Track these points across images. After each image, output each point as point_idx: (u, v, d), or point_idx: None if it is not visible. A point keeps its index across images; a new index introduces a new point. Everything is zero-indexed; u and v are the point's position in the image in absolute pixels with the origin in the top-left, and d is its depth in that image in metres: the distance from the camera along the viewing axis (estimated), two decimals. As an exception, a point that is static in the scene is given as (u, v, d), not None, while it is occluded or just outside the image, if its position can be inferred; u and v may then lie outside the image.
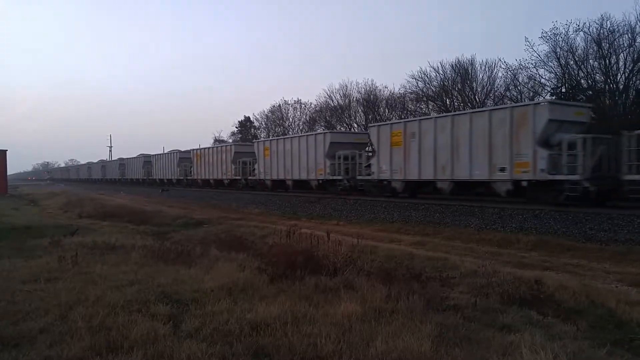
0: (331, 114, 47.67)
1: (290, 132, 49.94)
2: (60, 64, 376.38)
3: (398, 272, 7.32)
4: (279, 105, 55.64)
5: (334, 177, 24.21)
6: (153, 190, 42.40)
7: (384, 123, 24.02)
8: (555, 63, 28.96)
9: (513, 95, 32.30)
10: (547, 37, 28.62)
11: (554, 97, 27.69)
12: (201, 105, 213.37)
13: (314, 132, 30.50)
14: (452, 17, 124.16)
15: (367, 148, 24.11)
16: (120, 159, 65.21)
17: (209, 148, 39.24)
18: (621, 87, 26.74)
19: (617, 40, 26.53)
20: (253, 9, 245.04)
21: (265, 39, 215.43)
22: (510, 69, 32.03)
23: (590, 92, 27.44)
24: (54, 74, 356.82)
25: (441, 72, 36.42)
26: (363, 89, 45.78)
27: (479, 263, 8.61)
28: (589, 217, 12.61)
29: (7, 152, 39.28)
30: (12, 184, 53.22)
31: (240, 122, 62.10)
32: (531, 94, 30.92)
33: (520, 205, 15.22)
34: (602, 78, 27.46)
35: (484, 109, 20.85)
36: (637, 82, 25.94)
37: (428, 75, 37.04)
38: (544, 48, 36.61)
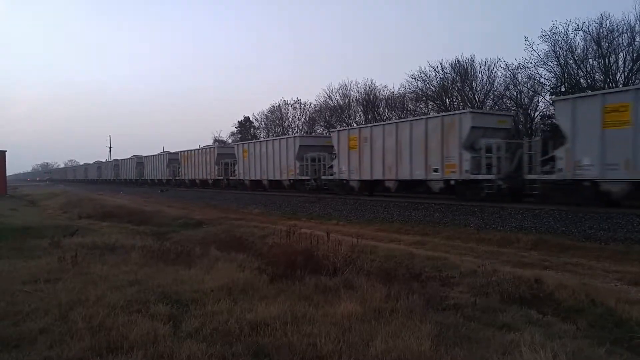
0: (331, 114, 47.66)
1: (290, 132, 49.98)
2: (60, 64, 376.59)
3: (398, 272, 7.33)
4: (279, 105, 55.67)
5: (303, 177, 26.42)
6: (152, 190, 42.44)
7: (343, 129, 26.74)
8: (555, 62, 28.99)
9: (513, 94, 32.35)
10: (547, 37, 28.64)
11: (558, 95, 27.71)
12: (201, 105, 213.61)
13: (285, 136, 32.47)
14: (451, 17, 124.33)
15: (333, 151, 25.36)
16: (115, 160, 68.17)
17: (194, 150, 41.35)
18: (621, 86, 26.77)
19: (616, 39, 26.56)
20: (253, 8, 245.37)
21: (265, 38, 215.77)
22: (510, 69, 32.06)
23: (590, 91, 27.47)
24: (53, 74, 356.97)
25: (441, 71, 36.45)
26: (363, 89, 45.80)
27: (478, 262, 8.62)
28: (589, 217, 12.62)
29: (6, 152, 39.28)
30: (11, 185, 53.19)
31: (240, 122, 62.14)
32: (531, 93, 30.97)
33: (520, 204, 15.31)
34: (602, 77, 27.48)
35: (421, 117, 22.72)
36: (637, 81, 25.95)
37: (427, 75, 37.07)
38: (543, 47, 36.50)
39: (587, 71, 28.18)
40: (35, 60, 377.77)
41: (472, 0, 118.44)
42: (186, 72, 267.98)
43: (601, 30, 26.81)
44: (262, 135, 54.93)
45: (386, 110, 42.44)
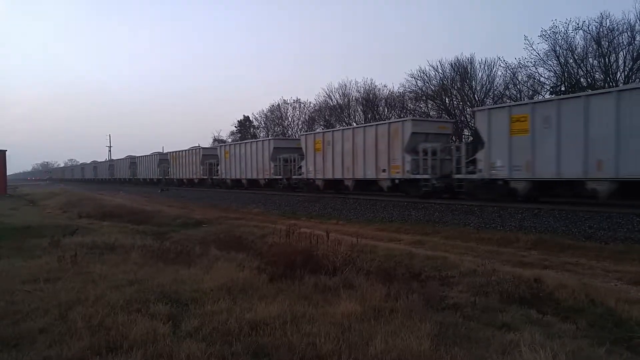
0: (330, 113, 47.70)
1: (289, 132, 50.06)
2: (60, 64, 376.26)
3: (397, 272, 7.33)
4: (278, 105, 55.77)
5: (276, 177, 28.94)
6: (152, 189, 42.50)
7: (310, 133, 29.46)
8: (555, 61, 29.04)
9: (512, 94, 32.37)
10: (547, 36, 28.70)
11: (559, 94, 27.70)
12: (201, 105, 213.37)
13: (261, 139, 35.38)
14: (451, 16, 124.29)
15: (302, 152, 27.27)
16: (110, 160, 71.20)
17: (182, 151, 43.81)
18: (621, 85, 26.77)
19: (616, 38, 26.60)
20: (253, 8, 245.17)
21: (265, 38, 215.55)
22: (510, 68, 32.13)
23: (590, 90, 27.46)
24: (53, 74, 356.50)
25: (440, 71, 36.50)
26: (362, 88, 45.85)
27: (478, 262, 8.61)
28: (589, 216, 12.63)
29: (6, 152, 39.26)
30: (11, 184, 53.19)
31: (240, 122, 62.21)
32: (531, 92, 30.97)
33: (519, 204, 15.31)
34: (602, 76, 27.50)
35: (372, 123, 25.01)
36: (637, 80, 25.96)
37: (427, 74, 37.12)
38: (543, 47, 36.64)
39: (587, 70, 28.21)
40: (35, 60, 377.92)
41: (472, 0, 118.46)
42: (186, 72, 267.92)
43: (601, 30, 26.86)
44: (261, 135, 54.99)
45: (386, 110, 42.46)
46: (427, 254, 9.88)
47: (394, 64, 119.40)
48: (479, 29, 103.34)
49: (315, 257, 7.38)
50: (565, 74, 28.77)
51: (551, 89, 29.25)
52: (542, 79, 30.15)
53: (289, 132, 50.61)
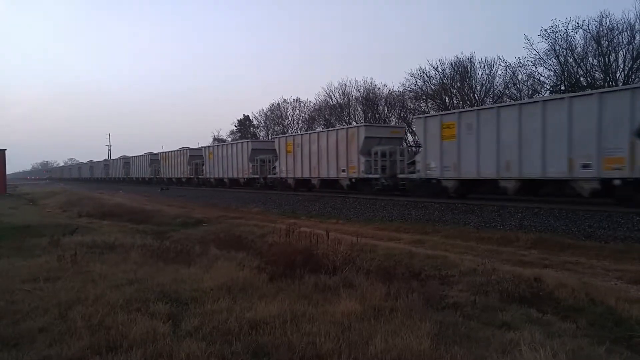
0: (330, 113, 47.67)
1: (289, 131, 50.06)
2: (60, 64, 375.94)
3: (397, 271, 7.32)
4: (278, 104, 55.76)
5: (254, 176, 31.56)
6: (152, 189, 42.53)
7: (282, 135, 31.64)
8: (555, 61, 29.02)
9: (512, 93, 32.36)
10: (547, 35, 28.67)
11: (557, 94, 27.70)
12: (201, 105, 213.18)
13: (240, 141, 37.81)
14: (451, 16, 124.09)
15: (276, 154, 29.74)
16: (106, 160, 74.07)
17: (171, 152, 46.77)
18: (620, 84, 26.75)
19: (616, 37, 26.57)
20: (253, 8, 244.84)
21: (265, 37, 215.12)
22: (510, 67, 32.12)
23: (590, 89, 27.45)
24: (53, 74, 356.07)
25: (440, 70, 36.49)
26: (362, 88, 45.84)
27: (478, 261, 8.61)
28: (589, 215, 12.64)
29: (6, 151, 39.23)
30: (11, 184, 53.19)
31: (240, 121, 62.21)
32: (530, 92, 30.95)
33: (519, 203, 15.35)
34: (602, 76, 27.48)
35: (333, 128, 27.53)
36: (637, 79, 25.95)
37: (427, 74, 37.11)
38: (543, 46, 36.71)
39: (586, 70, 28.19)
40: (35, 60, 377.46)
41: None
42: (186, 72, 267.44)
43: (601, 29, 26.83)
44: (261, 134, 55.01)
45: (386, 109, 42.46)
46: (427, 253, 9.88)
47: (394, 63, 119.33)
48: (479, 29, 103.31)
49: (315, 257, 7.37)
50: (565, 73, 28.75)
51: (551, 88, 29.24)
52: (542, 78, 30.17)
53: (289, 131, 50.56)
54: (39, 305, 5.38)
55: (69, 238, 10.94)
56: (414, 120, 21.93)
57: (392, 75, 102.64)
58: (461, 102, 34.77)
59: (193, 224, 17.57)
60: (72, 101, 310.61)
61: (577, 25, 27.57)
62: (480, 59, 38.43)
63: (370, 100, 43.83)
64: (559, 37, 28.29)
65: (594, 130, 13.70)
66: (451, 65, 35.80)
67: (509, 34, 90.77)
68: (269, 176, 29.93)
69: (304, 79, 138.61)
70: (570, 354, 3.93)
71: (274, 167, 29.14)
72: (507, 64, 35.76)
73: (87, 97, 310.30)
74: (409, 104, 39.77)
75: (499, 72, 33.99)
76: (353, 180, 22.87)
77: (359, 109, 45.36)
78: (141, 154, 56.96)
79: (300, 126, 52.26)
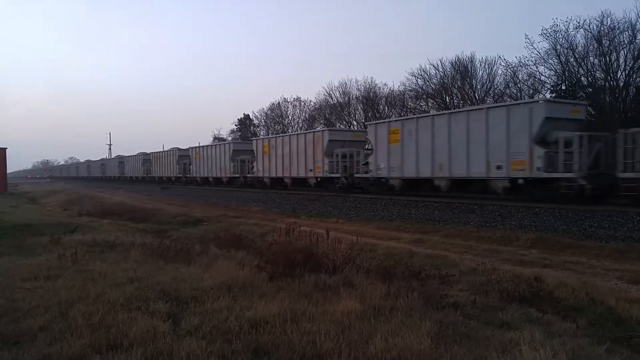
0: (330, 112, 47.63)
1: (289, 130, 50.08)
2: (61, 63, 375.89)
3: (397, 270, 7.33)
4: (279, 103, 55.69)
5: (235, 175, 33.82)
6: (152, 187, 42.54)
7: (259, 138, 34.65)
8: (556, 60, 28.95)
9: (513, 92, 32.31)
10: (547, 34, 28.61)
11: (552, 95, 27.64)
12: (201, 104, 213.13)
13: (223, 142, 40.28)
14: (452, 15, 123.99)
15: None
16: (102, 159, 76.73)
17: (162, 152, 49.43)
18: (621, 84, 26.75)
19: (617, 37, 26.51)
20: (253, 7, 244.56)
21: (266, 36, 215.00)
22: (510, 67, 32.06)
23: (590, 89, 27.42)
24: (53, 74, 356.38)
25: (441, 69, 36.43)
26: (362, 87, 45.78)
27: (478, 261, 8.61)
28: (589, 215, 12.62)
29: (6, 150, 39.22)
30: (11, 182, 53.21)
31: (240, 120, 62.13)
32: (531, 91, 30.92)
33: (519, 203, 15.34)
34: (603, 75, 27.43)
35: (302, 132, 30.52)
36: (638, 79, 25.93)
37: (428, 73, 37.05)
38: (544, 45, 36.56)
39: (587, 69, 28.14)
40: (35, 60, 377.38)
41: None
42: (186, 71, 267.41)
43: (602, 28, 26.78)
44: (261, 133, 54.98)
45: (386, 108, 42.39)
46: (427, 253, 9.88)
47: (394, 62, 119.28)
48: (480, 28, 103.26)
49: (315, 256, 7.37)
50: (566, 73, 28.71)
51: (552, 88, 29.20)
52: (542, 77, 30.11)
53: (289, 130, 50.55)
54: (39, 303, 5.38)
55: (70, 237, 10.95)
56: (367, 127, 23.59)
57: (393, 74, 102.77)
58: (462, 102, 34.73)
59: (193, 222, 17.57)
60: (73, 100, 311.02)
61: (578, 24, 27.53)
62: (480, 58, 38.32)
63: (371, 99, 43.79)
64: (560, 36, 28.26)
65: (504, 137, 15.94)
66: (452, 64, 35.79)
67: (509, 34, 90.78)
68: (248, 175, 32.25)
69: (305, 78, 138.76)
70: (571, 354, 3.93)
71: (252, 167, 31.53)
72: (508, 63, 35.68)
73: (88, 96, 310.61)
74: (409, 103, 39.75)
75: (500, 72, 33.93)
76: (318, 179, 25.18)
77: (359, 108, 45.34)
78: (135, 153, 59.20)
79: (300, 125, 52.24)
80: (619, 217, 12.06)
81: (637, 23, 25.81)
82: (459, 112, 19.19)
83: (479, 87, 35.29)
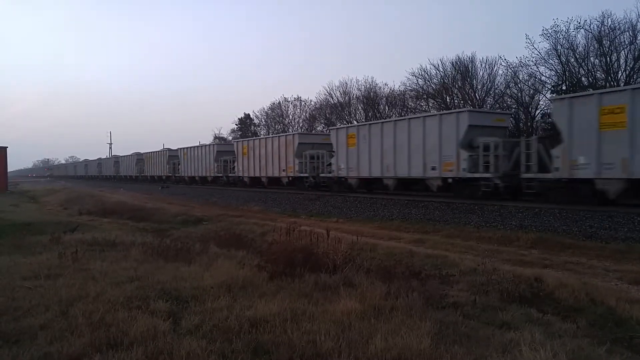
0: (331, 112, 47.62)
1: (290, 129, 50.10)
2: (61, 62, 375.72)
3: (397, 270, 7.32)
4: (279, 103, 55.69)
5: (218, 175, 36.21)
6: (152, 187, 42.59)
7: (239, 140, 39.09)
8: (556, 60, 28.95)
9: (513, 92, 32.31)
10: (548, 35, 28.61)
11: (552, 95, 27.64)
12: (202, 103, 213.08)
13: (208, 144, 41.89)
14: (452, 15, 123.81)
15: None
16: (99, 159, 78.78)
17: (154, 152, 51.62)
18: (622, 84, 26.69)
19: (618, 37, 26.51)
20: (254, 7, 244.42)
21: (266, 36, 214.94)
22: (511, 67, 32.05)
23: (591, 89, 27.39)
24: (53, 73, 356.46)
25: (441, 69, 36.41)
26: (363, 87, 45.77)
27: (478, 261, 8.61)
28: (589, 215, 12.62)
29: (7, 149, 39.23)
30: (12, 181, 53.24)
31: (240, 119, 62.13)
32: (531, 91, 30.92)
33: (520, 203, 15.34)
34: (603, 75, 27.43)
35: (276, 135, 33.03)
36: (638, 79, 25.90)
37: (428, 73, 37.03)
38: (544, 45, 36.59)
39: (588, 69, 28.14)
40: (35, 60, 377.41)
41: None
42: (187, 70, 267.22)
43: (602, 29, 26.79)
44: (262, 133, 55.00)
45: (387, 108, 42.38)
46: (427, 253, 9.88)
47: (395, 62, 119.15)
48: (481, 28, 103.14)
49: (315, 255, 7.36)
50: (567, 73, 28.70)
51: (552, 88, 29.18)
52: (543, 78, 30.10)
53: (290, 129, 50.57)
54: (39, 302, 5.39)
55: (70, 235, 10.96)
56: (329, 131, 26.28)
57: (393, 74, 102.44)
58: (462, 102, 34.72)
59: (193, 222, 17.59)
60: (73, 100, 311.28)
61: (578, 25, 27.53)
62: (481, 58, 38.39)
63: (371, 99, 43.79)
64: (561, 36, 28.26)
65: (437, 142, 17.99)
66: (452, 64, 35.76)
67: (510, 34, 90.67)
68: (230, 175, 34.59)
69: (305, 78, 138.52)
70: (571, 354, 3.93)
71: (234, 167, 33.92)
72: (509, 63, 35.77)
73: (88, 96, 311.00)
74: (410, 103, 39.73)
75: (500, 72, 33.92)
76: (290, 178, 27.65)
77: (359, 108, 45.33)
78: (129, 153, 61.21)
79: (301, 125, 52.26)
80: (620, 217, 12.05)
81: (638, 23, 25.83)
82: (402, 119, 21.35)
83: (479, 87, 35.30)
